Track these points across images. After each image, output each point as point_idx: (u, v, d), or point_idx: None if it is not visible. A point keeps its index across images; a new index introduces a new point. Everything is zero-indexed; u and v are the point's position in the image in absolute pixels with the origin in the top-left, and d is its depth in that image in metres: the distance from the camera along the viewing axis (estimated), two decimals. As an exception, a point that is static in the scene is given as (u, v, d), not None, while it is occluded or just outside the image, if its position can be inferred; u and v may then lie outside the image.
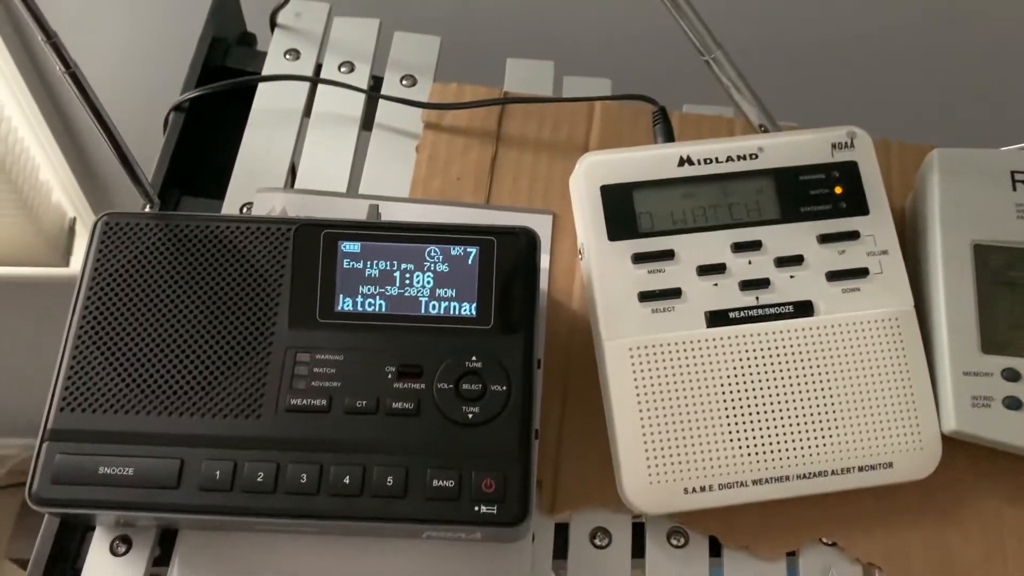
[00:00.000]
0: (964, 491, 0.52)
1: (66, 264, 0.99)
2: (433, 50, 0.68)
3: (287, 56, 0.67)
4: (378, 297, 0.49)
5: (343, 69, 0.67)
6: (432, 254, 0.49)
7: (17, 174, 0.86)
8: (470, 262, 0.49)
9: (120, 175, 0.54)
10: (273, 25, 0.69)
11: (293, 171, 0.63)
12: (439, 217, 0.59)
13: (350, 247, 0.49)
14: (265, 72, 0.66)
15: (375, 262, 0.49)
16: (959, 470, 0.52)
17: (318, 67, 0.67)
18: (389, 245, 0.49)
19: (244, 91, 0.65)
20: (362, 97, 0.65)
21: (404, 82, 0.66)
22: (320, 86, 0.65)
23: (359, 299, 0.49)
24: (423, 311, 0.49)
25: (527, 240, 0.50)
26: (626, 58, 0.69)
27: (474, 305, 0.49)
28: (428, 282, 0.49)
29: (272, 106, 0.65)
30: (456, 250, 0.49)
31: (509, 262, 0.49)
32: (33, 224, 0.91)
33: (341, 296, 0.49)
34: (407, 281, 0.49)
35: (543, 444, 0.53)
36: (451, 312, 0.49)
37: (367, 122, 0.65)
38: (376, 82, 0.67)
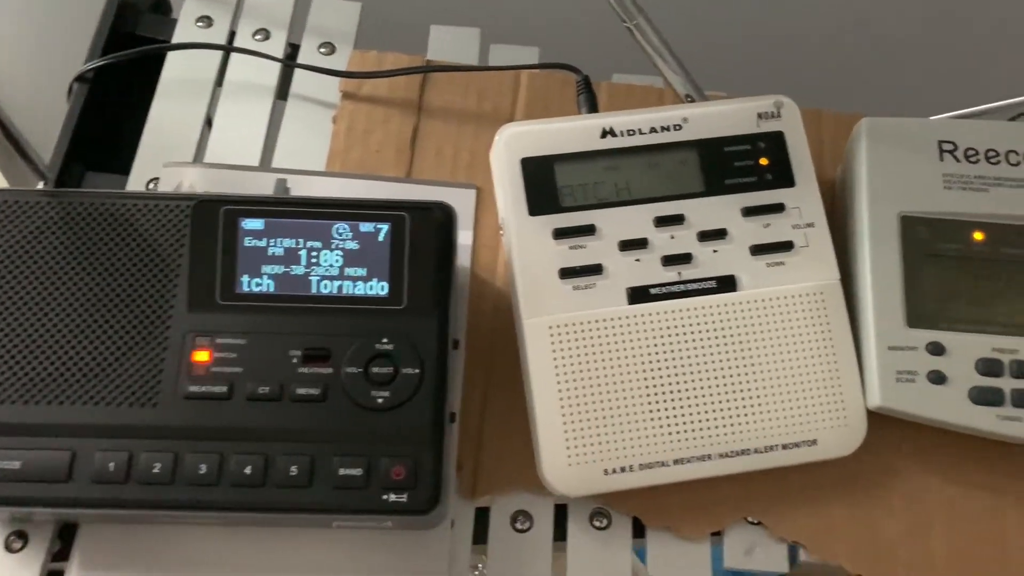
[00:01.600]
0: (891, 466, 0.51)
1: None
2: (353, 16, 0.65)
3: (199, 23, 0.64)
4: (283, 277, 0.46)
5: (258, 37, 0.64)
6: (340, 231, 0.47)
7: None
8: (381, 239, 0.47)
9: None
10: (182, -9, 0.65)
11: (204, 144, 0.60)
12: (356, 191, 0.57)
13: (252, 224, 0.47)
14: (175, 40, 0.63)
15: (279, 240, 0.47)
16: (886, 445, 0.51)
17: (231, 35, 0.64)
18: (294, 222, 0.47)
19: (154, 61, 0.62)
20: (277, 66, 0.62)
21: (322, 50, 0.63)
22: (233, 55, 0.62)
23: (262, 279, 0.46)
24: (331, 291, 0.46)
25: (443, 215, 0.48)
26: (557, 24, 0.66)
27: (386, 284, 0.47)
28: (337, 260, 0.47)
29: (182, 76, 0.61)
30: (366, 227, 0.47)
31: (423, 239, 0.47)
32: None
33: (243, 276, 0.46)
34: (314, 260, 0.47)
35: (464, 427, 0.51)
36: (361, 292, 0.47)
37: (283, 92, 0.62)
38: (293, 50, 0.64)
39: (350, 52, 0.63)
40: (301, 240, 0.47)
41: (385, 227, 0.47)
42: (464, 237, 0.56)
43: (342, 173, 0.57)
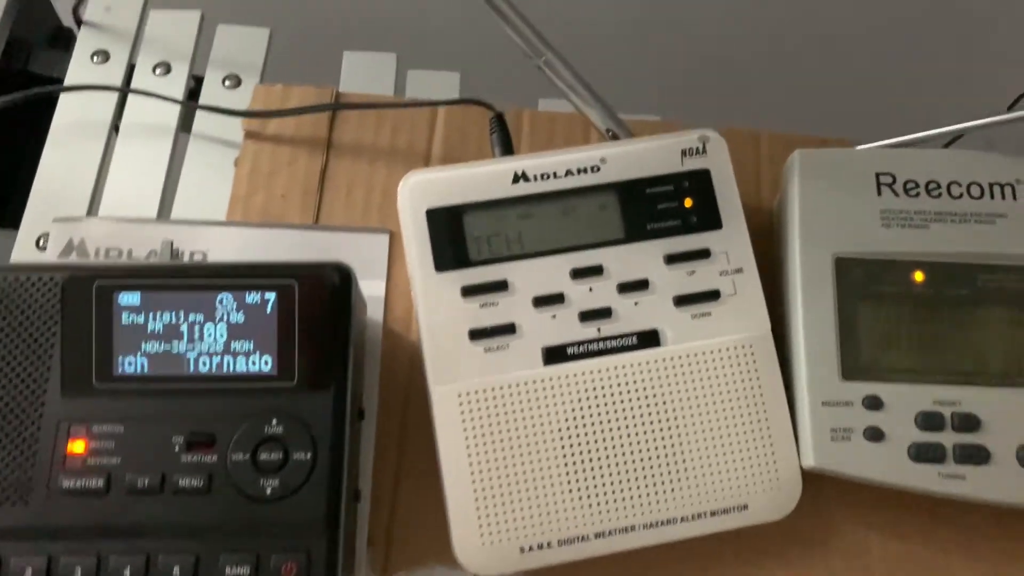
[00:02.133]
0: (831, 523, 0.48)
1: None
2: (261, 44, 0.61)
3: (95, 59, 0.60)
4: (164, 355, 0.43)
5: (158, 71, 0.59)
6: (224, 302, 0.43)
7: None
8: (268, 310, 0.43)
9: None
10: (79, 22, 0.61)
11: (100, 192, 0.56)
12: (259, 243, 0.53)
13: (128, 299, 0.43)
14: (69, 78, 0.59)
15: (159, 314, 0.43)
16: (824, 502, 0.48)
17: (130, 69, 0.60)
18: (175, 295, 0.43)
19: (46, 102, 0.58)
20: (178, 104, 0.58)
21: (227, 83, 0.59)
22: (131, 94, 0.58)
23: (141, 359, 0.43)
24: (216, 369, 0.43)
25: (339, 278, 0.44)
26: (480, 46, 0.62)
27: (274, 359, 0.43)
28: (221, 335, 0.43)
29: (76, 119, 0.57)
30: (252, 297, 0.43)
31: (314, 307, 0.43)
32: None
33: (120, 356, 0.43)
34: (197, 335, 0.43)
35: (377, 498, 0.48)
36: (248, 368, 0.43)
37: (187, 125, 0.58)
38: (197, 83, 0.60)
39: (257, 84, 0.59)
40: (182, 314, 0.43)
41: (272, 296, 0.43)
42: (375, 288, 0.53)
43: (243, 223, 0.53)
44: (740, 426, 0.46)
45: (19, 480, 0.41)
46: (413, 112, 0.57)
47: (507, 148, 0.51)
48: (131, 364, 0.43)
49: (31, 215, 0.54)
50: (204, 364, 0.43)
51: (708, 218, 0.48)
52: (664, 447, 0.46)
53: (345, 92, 0.58)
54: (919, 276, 0.48)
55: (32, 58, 0.61)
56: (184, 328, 0.43)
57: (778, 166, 0.56)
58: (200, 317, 0.43)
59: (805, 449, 0.46)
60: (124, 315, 0.43)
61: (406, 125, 0.57)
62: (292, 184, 0.55)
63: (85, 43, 0.60)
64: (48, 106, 0.58)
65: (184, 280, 0.43)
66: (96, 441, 0.42)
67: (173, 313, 0.43)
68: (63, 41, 0.65)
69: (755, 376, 0.47)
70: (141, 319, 0.43)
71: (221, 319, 0.43)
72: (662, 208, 0.48)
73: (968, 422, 0.46)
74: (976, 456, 0.45)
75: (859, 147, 0.52)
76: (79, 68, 0.59)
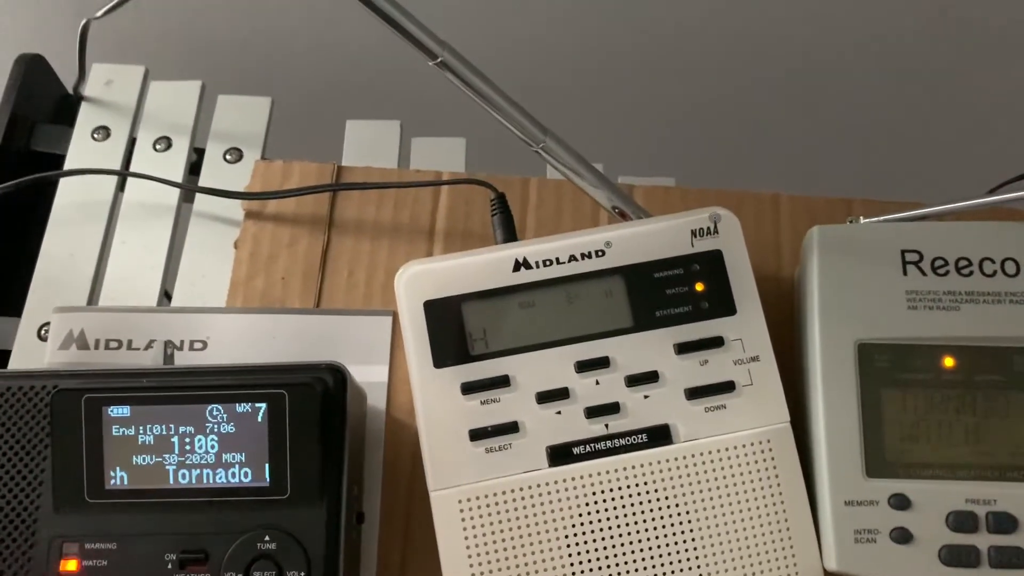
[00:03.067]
0: (857, 624, 0.46)
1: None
2: (263, 114, 0.60)
3: (95, 136, 0.59)
4: (155, 469, 0.42)
5: (159, 147, 0.59)
6: (215, 413, 0.42)
7: None
8: (260, 419, 0.42)
9: None
10: (79, 99, 0.60)
11: (101, 277, 0.55)
12: (261, 329, 0.52)
13: (118, 411, 0.42)
14: (70, 157, 0.58)
15: (149, 427, 0.42)
16: (851, 600, 0.46)
17: (131, 143, 0.59)
18: (165, 408, 0.42)
19: (50, 182, 0.57)
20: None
21: (228, 157, 0.58)
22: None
23: (133, 472, 0.42)
24: (208, 482, 0.42)
25: (332, 380, 0.43)
26: (485, 112, 0.60)
27: (267, 471, 0.42)
28: (212, 447, 0.42)
29: (77, 199, 0.57)
30: (242, 407, 0.42)
31: (306, 415, 0.42)
32: None
33: (111, 470, 0.42)
34: (187, 447, 0.42)
35: (380, 600, 0.47)
36: (241, 482, 0.42)
37: (189, 196, 0.57)
38: (199, 155, 0.59)
39: (258, 157, 0.58)
40: (173, 426, 0.42)
41: (263, 407, 0.42)
42: (378, 373, 0.51)
43: (243, 309, 0.52)
44: (758, 527, 0.44)
45: (11, 602, 0.40)
46: (416, 189, 0.55)
47: (509, 231, 0.49)
48: (122, 478, 0.42)
49: (33, 302, 0.54)
50: (196, 477, 0.42)
51: (721, 303, 0.46)
52: (678, 552, 0.43)
53: (348, 166, 0.56)
54: (949, 362, 0.45)
55: (35, 135, 0.60)
56: (175, 440, 0.42)
57: (800, 231, 0.53)
58: (191, 429, 0.42)
59: (828, 552, 0.43)
60: (114, 428, 0.42)
61: (409, 200, 0.55)
62: (293, 266, 0.53)
63: (86, 120, 0.59)
64: (50, 185, 0.57)
65: (174, 393, 0.42)
66: (89, 559, 0.41)
67: (163, 426, 0.42)
68: (68, 112, 0.64)
69: (773, 473, 0.44)
70: (131, 431, 0.42)
71: (212, 431, 0.42)
72: (672, 293, 0.46)
73: (1005, 522, 0.43)
74: (1014, 560, 0.42)
75: (881, 219, 0.49)
76: (80, 147, 0.59)
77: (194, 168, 0.58)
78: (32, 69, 0.61)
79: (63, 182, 0.57)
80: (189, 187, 0.56)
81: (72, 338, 0.52)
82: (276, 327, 0.52)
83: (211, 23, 0.64)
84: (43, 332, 0.53)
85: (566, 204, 0.55)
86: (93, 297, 0.54)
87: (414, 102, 0.62)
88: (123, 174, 0.57)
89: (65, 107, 0.64)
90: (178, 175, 0.58)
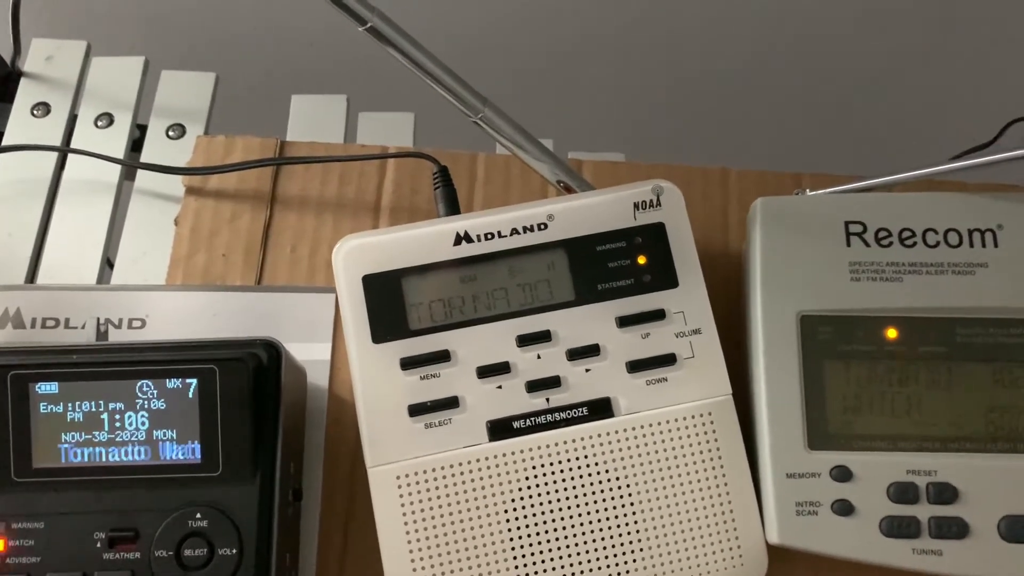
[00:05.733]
0: (801, 598, 0.46)
1: None
2: (207, 90, 0.59)
3: (35, 112, 0.58)
4: (84, 446, 0.41)
5: (100, 123, 0.57)
6: (145, 389, 0.41)
7: None
8: (190, 395, 0.41)
9: None
10: (19, 75, 0.59)
11: (40, 254, 0.54)
12: (200, 306, 0.51)
13: (46, 388, 0.41)
14: (8, 134, 0.57)
15: (78, 404, 0.41)
16: (795, 571, 0.46)
17: (72, 120, 0.58)
18: (94, 384, 0.41)
19: (-14, 158, 0.56)
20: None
21: (171, 133, 0.57)
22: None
23: (61, 450, 0.41)
24: (138, 459, 0.41)
25: (267, 356, 0.42)
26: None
27: (198, 448, 0.41)
28: (143, 423, 0.41)
29: (15, 176, 0.56)
30: (173, 383, 0.41)
31: (239, 391, 0.41)
32: None
33: (39, 449, 0.41)
34: (117, 424, 0.41)
35: (321, 577, 0.46)
36: (171, 458, 0.41)
37: (131, 175, 0.56)
38: (141, 131, 0.58)
39: (202, 132, 0.57)
40: (102, 402, 0.41)
41: (193, 382, 0.41)
42: (320, 351, 0.50)
43: (183, 286, 0.51)
44: (700, 500, 0.43)
45: (-65, 583, 0.39)
46: (361, 164, 0.54)
47: (451, 204, 0.49)
48: (51, 456, 0.41)
49: (-32, 282, 0.52)
50: (126, 454, 0.41)
51: (663, 276, 0.45)
52: (619, 525, 0.43)
53: (292, 141, 0.55)
54: (892, 333, 0.45)
55: (-28, 112, 0.59)
56: (104, 417, 0.41)
57: (748, 206, 0.53)
58: (121, 406, 0.41)
59: (770, 524, 0.43)
60: (42, 405, 0.41)
61: (354, 175, 0.54)
62: (234, 242, 0.52)
63: (25, 95, 0.58)
64: (-12, 164, 0.56)
65: (103, 368, 0.41)
66: (16, 539, 0.40)
67: (92, 403, 0.41)
68: (4, 89, 0.63)
69: (715, 446, 0.44)
70: (60, 409, 0.41)
71: (142, 407, 0.41)
72: (614, 266, 0.45)
73: (945, 493, 0.43)
74: (953, 530, 0.42)
75: (826, 191, 0.48)
76: (19, 122, 0.57)
77: (136, 145, 0.57)
78: (-31, 45, 0.60)
79: (1, 158, 0.56)
80: (129, 163, 0.54)
81: (8, 317, 0.51)
82: (217, 304, 0.51)
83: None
84: (-22, 312, 0.51)
85: (514, 180, 0.54)
86: (32, 276, 0.53)
87: (363, 78, 0.61)
88: (62, 150, 0.55)
89: (8, 81, 0.63)
90: (120, 152, 0.56)
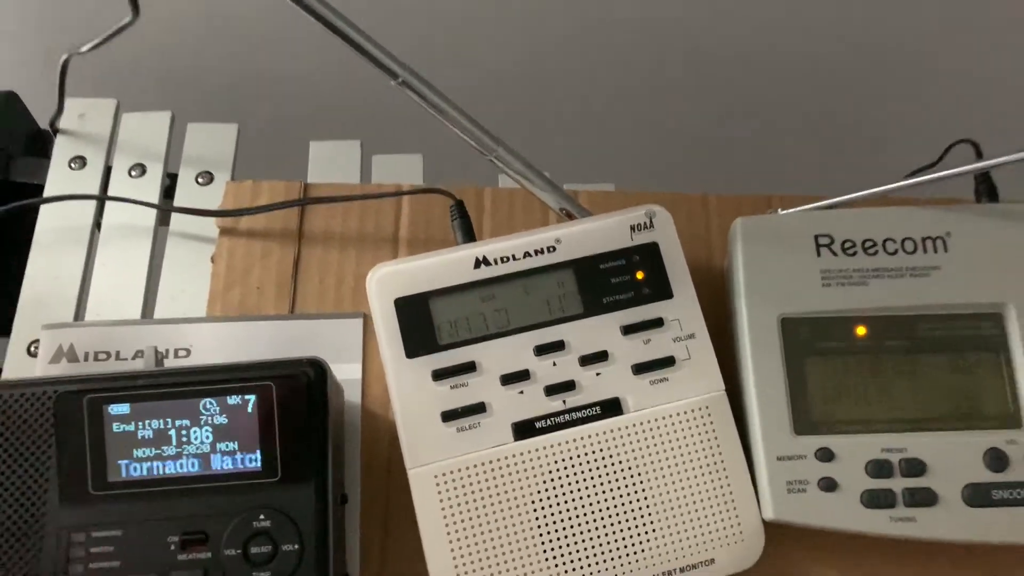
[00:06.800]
0: (794, 569, 0.51)
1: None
2: (230, 139, 0.64)
3: (72, 165, 0.63)
4: (154, 460, 0.46)
5: (134, 173, 0.62)
6: (208, 407, 0.46)
7: None
8: (249, 411, 0.46)
9: None
10: (55, 132, 0.64)
11: (85, 296, 0.59)
12: (240, 335, 0.56)
13: (118, 409, 0.46)
14: (49, 186, 0.62)
15: (147, 422, 0.46)
16: (788, 549, 0.51)
17: (107, 172, 0.63)
18: (161, 403, 0.46)
19: (31, 210, 0.61)
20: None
21: (200, 180, 0.62)
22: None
23: (133, 465, 0.46)
24: (205, 470, 0.46)
25: (313, 373, 0.47)
26: (440, 127, 0.66)
27: (258, 457, 0.46)
28: (207, 437, 0.46)
29: (58, 224, 0.60)
30: (233, 399, 0.46)
31: (292, 404, 0.46)
32: None
33: (113, 464, 0.45)
34: (184, 439, 0.46)
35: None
36: (235, 467, 0.46)
37: (165, 219, 0.61)
38: (172, 180, 0.63)
39: (228, 179, 0.62)
40: (169, 420, 0.46)
41: (252, 398, 0.46)
42: (352, 371, 0.56)
43: (223, 318, 0.56)
44: (702, 484, 0.49)
45: (25, 589, 0.44)
46: (381, 200, 0.60)
47: (468, 234, 0.54)
48: (125, 470, 0.45)
49: (21, 322, 0.57)
50: (192, 466, 0.46)
51: (659, 288, 0.51)
52: (632, 509, 0.48)
53: (313, 183, 0.61)
54: (861, 331, 0.51)
55: (12, 167, 0.64)
56: (172, 433, 0.46)
57: (727, 226, 0.59)
58: (186, 422, 0.46)
59: (764, 502, 0.49)
60: (115, 425, 0.46)
61: (373, 212, 0.60)
62: (267, 276, 0.58)
63: (62, 151, 0.63)
64: (31, 213, 0.60)
65: (169, 389, 0.46)
66: (96, 546, 0.44)
67: (160, 420, 0.46)
68: (41, 145, 0.68)
69: (713, 436, 0.50)
70: (131, 427, 0.46)
71: (206, 423, 0.46)
72: (616, 282, 0.51)
73: (915, 467, 0.49)
74: (924, 499, 0.48)
75: (796, 209, 0.55)
76: (58, 176, 0.62)
77: (168, 192, 0.62)
78: (7, 105, 0.64)
79: (44, 209, 0.60)
80: (167, 207, 0.59)
81: (62, 352, 0.55)
82: (254, 333, 0.56)
83: (178, 56, 0.68)
84: (32, 349, 0.56)
85: (517, 210, 0.60)
86: (79, 315, 0.58)
87: (373, 122, 0.67)
88: (101, 198, 0.60)
89: (38, 140, 0.68)
90: (153, 199, 0.61)
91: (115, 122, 0.64)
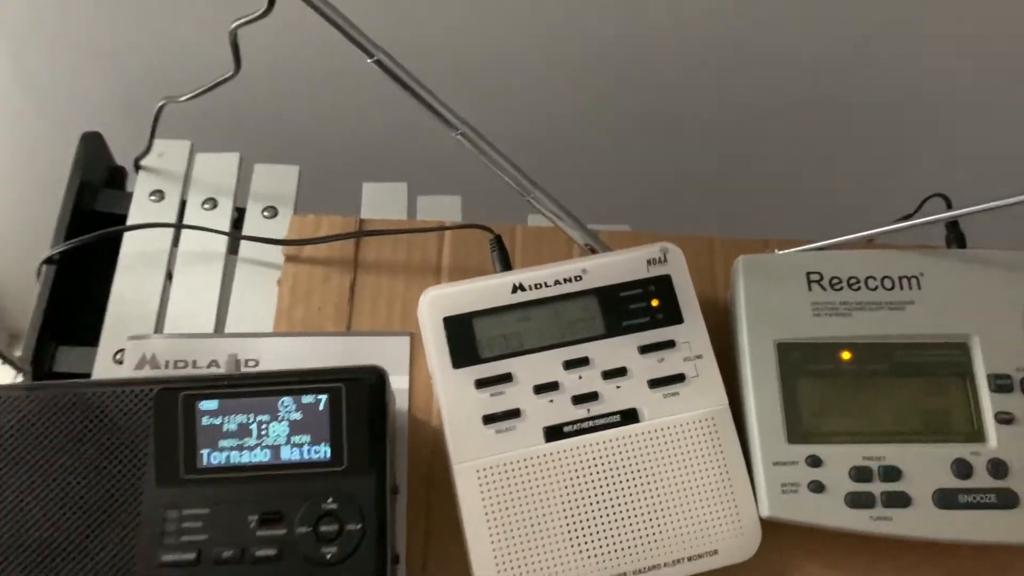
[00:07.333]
0: (787, 565, 0.58)
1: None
2: (292, 179, 0.72)
3: (152, 197, 0.71)
4: (237, 450, 0.53)
5: (206, 206, 0.71)
6: (285, 404, 0.54)
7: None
8: (321, 408, 0.54)
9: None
10: (137, 168, 0.72)
11: (164, 311, 0.66)
12: (302, 350, 0.63)
13: (208, 405, 0.53)
14: (131, 216, 0.70)
15: (232, 417, 0.53)
16: (782, 546, 0.58)
17: (183, 204, 0.71)
18: (245, 400, 0.54)
19: (115, 237, 0.68)
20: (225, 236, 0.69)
21: (265, 213, 0.70)
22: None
23: (220, 453, 0.53)
24: (280, 459, 0.53)
25: (375, 379, 0.55)
26: (476, 173, 0.74)
27: (327, 448, 0.53)
28: (284, 431, 0.53)
29: (140, 249, 0.68)
30: (307, 398, 0.54)
31: (358, 404, 0.54)
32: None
33: (203, 452, 0.53)
34: (263, 432, 0.53)
35: (410, 563, 0.58)
36: (307, 457, 0.53)
37: (234, 248, 0.69)
38: (240, 214, 0.71)
39: (291, 213, 0.70)
40: (251, 415, 0.53)
41: (324, 398, 0.54)
42: (400, 382, 0.63)
43: (288, 333, 0.64)
44: (707, 485, 0.56)
45: (126, 557, 0.51)
46: (427, 234, 0.68)
47: (505, 263, 0.63)
48: (212, 458, 0.53)
49: (108, 333, 0.64)
50: (270, 455, 0.53)
51: (672, 314, 0.59)
52: (645, 505, 0.56)
53: (366, 219, 0.69)
54: (846, 355, 0.59)
55: (97, 198, 0.72)
56: (253, 427, 0.53)
57: (729, 265, 0.67)
58: (266, 417, 0.53)
59: (761, 501, 0.56)
60: (204, 419, 0.53)
61: (419, 245, 0.68)
62: (327, 298, 0.66)
63: (143, 185, 0.71)
64: (116, 239, 0.68)
65: (253, 389, 0.54)
66: (187, 522, 0.52)
67: (244, 415, 0.53)
68: (118, 179, 0.76)
69: (717, 443, 0.57)
70: (218, 421, 0.53)
71: (283, 418, 0.53)
72: (634, 308, 0.59)
73: (892, 473, 0.56)
74: (900, 501, 0.56)
75: (791, 250, 0.63)
76: (139, 206, 0.70)
77: (236, 224, 0.71)
78: (94, 144, 0.73)
79: (127, 236, 0.68)
80: (239, 236, 0.68)
81: (145, 360, 0.63)
82: (315, 347, 0.63)
83: (246, 104, 0.77)
84: (118, 357, 0.63)
85: (544, 245, 0.68)
86: (158, 329, 0.65)
87: (418, 164, 0.76)
88: (178, 226, 0.68)
89: (116, 175, 0.76)
90: (224, 229, 0.69)
91: (189, 161, 0.73)
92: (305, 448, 0.53)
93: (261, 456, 0.53)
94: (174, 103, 0.66)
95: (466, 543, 0.55)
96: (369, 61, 0.51)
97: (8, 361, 0.57)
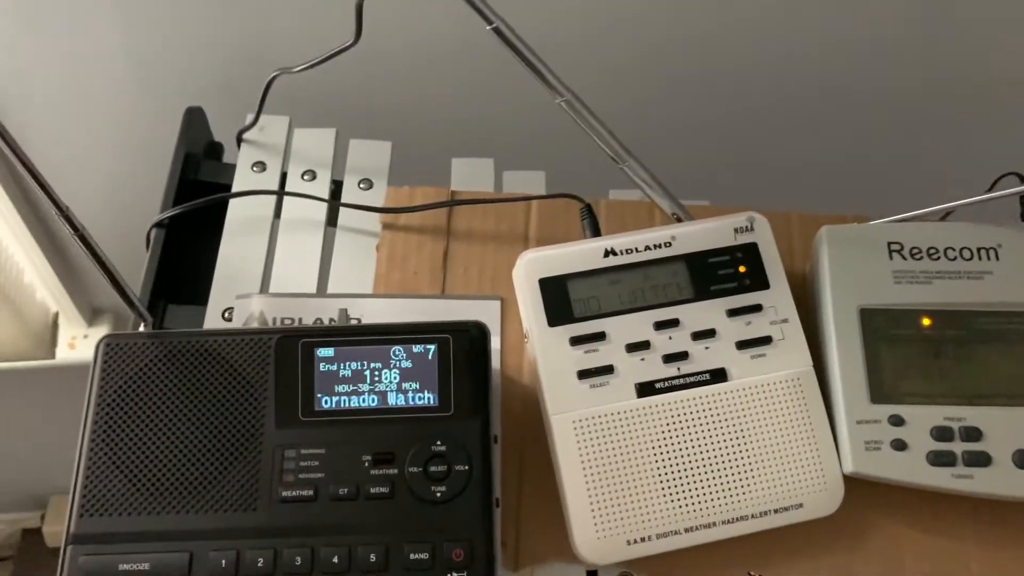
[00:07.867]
0: (867, 521, 0.61)
1: (52, 356, 1.05)
2: (386, 154, 0.76)
3: (254, 168, 0.75)
4: (352, 395, 0.56)
5: (306, 177, 0.74)
6: (397, 353, 0.57)
7: (4, 280, 0.93)
8: (430, 357, 0.57)
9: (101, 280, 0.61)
10: (240, 141, 0.76)
11: (269, 274, 0.70)
12: (400, 310, 0.67)
13: (325, 352, 0.57)
14: (235, 185, 0.74)
15: (348, 364, 0.57)
16: (863, 503, 0.60)
17: (283, 176, 0.75)
18: (359, 348, 0.57)
19: (221, 204, 0.72)
20: (325, 203, 0.72)
21: (361, 185, 0.74)
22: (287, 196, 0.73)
23: (336, 398, 0.56)
24: (392, 403, 0.56)
25: (479, 333, 0.58)
26: (560, 149, 0.77)
27: (436, 395, 0.56)
28: (395, 378, 0.57)
29: (244, 215, 0.72)
30: (417, 348, 0.57)
31: (464, 354, 0.57)
32: (21, 322, 0.97)
33: (320, 396, 0.56)
34: (376, 378, 0.57)
35: (505, 509, 0.61)
36: (416, 403, 0.56)
37: (332, 220, 0.73)
38: (337, 186, 0.75)
39: (385, 185, 0.74)
40: (365, 362, 0.57)
41: (433, 347, 0.57)
42: (493, 343, 0.66)
43: (387, 294, 0.67)
44: (793, 442, 0.59)
45: (248, 493, 0.54)
46: (513, 204, 0.71)
47: (596, 230, 0.66)
48: (328, 402, 0.56)
49: (216, 293, 0.68)
50: (383, 400, 0.56)
51: (758, 280, 0.62)
52: (733, 459, 0.58)
53: (457, 191, 0.72)
54: (926, 321, 0.61)
55: (200, 169, 0.76)
56: (367, 373, 0.57)
57: (806, 241, 0.70)
58: (379, 365, 0.57)
59: (845, 458, 0.59)
60: (321, 365, 0.57)
61: (508, 215, 0.71)
62: (422, 263, 0.69)
63: (246, 157, 0.75)
64: (222, 206, 0.72)
65: (367, 338, 0.57)
66: (304, 461, 0.55)
67: (358, 363, 0.57)
68: (216, 153, 0.80)
69: (803, 402, 0.60)
70: (335, 367, 0.57)
71: (395, 366, 0.57)
72: (722, 273, 0.62)
73: (973, 433, 0.58)
74: (980, 460, 0.58)
75: (873, 222, 0.66)
76: (243, 176, 0.74)
77: (334, 195, 0.74)
78: (197, 118, 0.77)
79: (232, 203, 0.72)
80: (341, 203, 0.71)
81: (253, 318, 0.66)
82: (412, 308, 0.67)
83: (342, 81, 0.81)
84: (226, 315, 0.67)
85: (628, 217, 0.71)
86: (264, 289, 0.69)
87: (505, 141, 0.79)
88: (280, 193, 0.72)
89: (214, 149, 0.80)
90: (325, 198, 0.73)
91: (289, 135, 0.77)
92: (413, 394, 0.57)
93: (373, 401, 0.56)
94: (288, 74, 0.70)
95: (562, 490, 0.58)
96: (488, 28, 0.54)
97: (135, 310, 0.61)
